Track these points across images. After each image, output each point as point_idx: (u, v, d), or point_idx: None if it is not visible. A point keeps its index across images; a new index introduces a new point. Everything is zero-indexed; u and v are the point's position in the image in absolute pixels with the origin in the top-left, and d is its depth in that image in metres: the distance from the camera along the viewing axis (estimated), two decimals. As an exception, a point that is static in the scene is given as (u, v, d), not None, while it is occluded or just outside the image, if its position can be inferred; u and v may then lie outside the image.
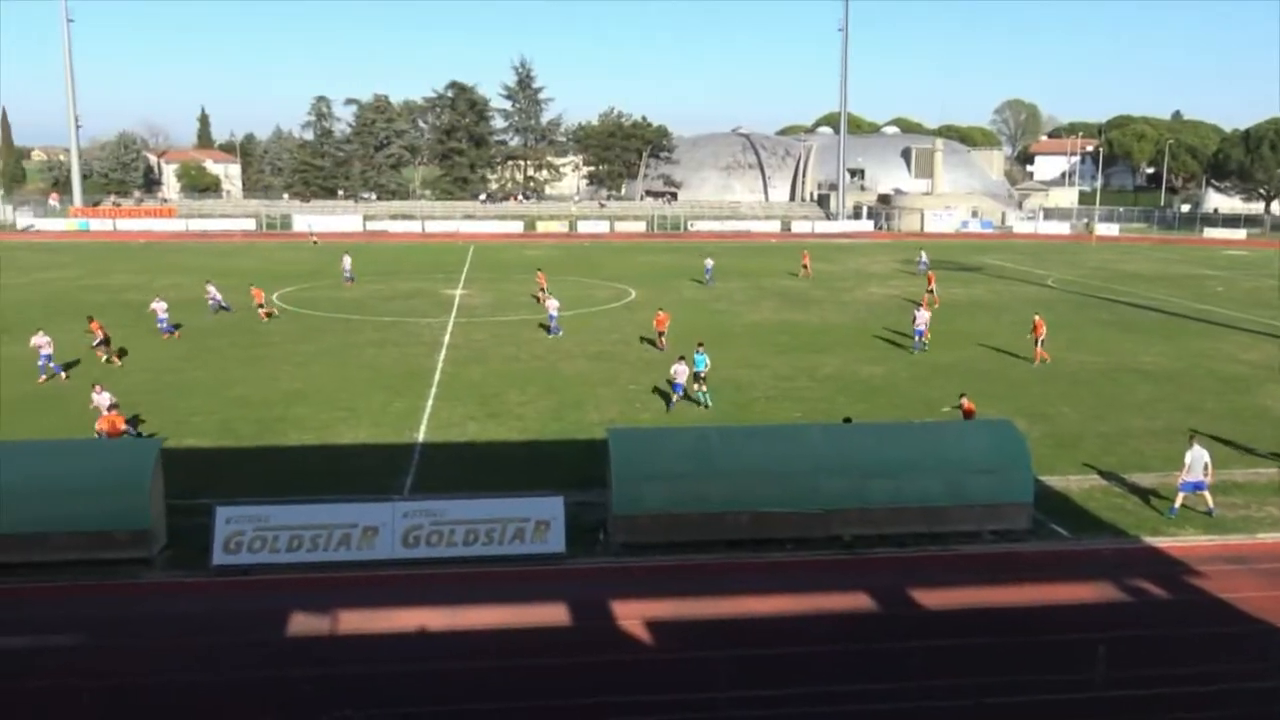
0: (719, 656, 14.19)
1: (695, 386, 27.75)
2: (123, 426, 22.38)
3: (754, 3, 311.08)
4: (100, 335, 33.55)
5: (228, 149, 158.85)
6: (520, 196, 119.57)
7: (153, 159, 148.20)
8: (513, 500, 18.65)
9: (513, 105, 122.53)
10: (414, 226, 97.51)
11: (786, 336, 38.99)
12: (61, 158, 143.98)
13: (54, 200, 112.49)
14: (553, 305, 38.96)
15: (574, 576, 17.18)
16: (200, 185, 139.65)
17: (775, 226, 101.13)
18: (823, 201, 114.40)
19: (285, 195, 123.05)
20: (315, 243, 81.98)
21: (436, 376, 31.26)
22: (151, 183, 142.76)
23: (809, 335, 39.32)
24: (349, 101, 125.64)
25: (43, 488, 17.34)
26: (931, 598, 16.44)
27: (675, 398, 27.16)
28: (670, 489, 18.40)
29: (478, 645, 14.74)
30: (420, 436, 24.71)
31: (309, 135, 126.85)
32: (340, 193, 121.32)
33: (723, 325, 41.36)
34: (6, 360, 33.32)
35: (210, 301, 43.62)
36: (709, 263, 55.48)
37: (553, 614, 15.79)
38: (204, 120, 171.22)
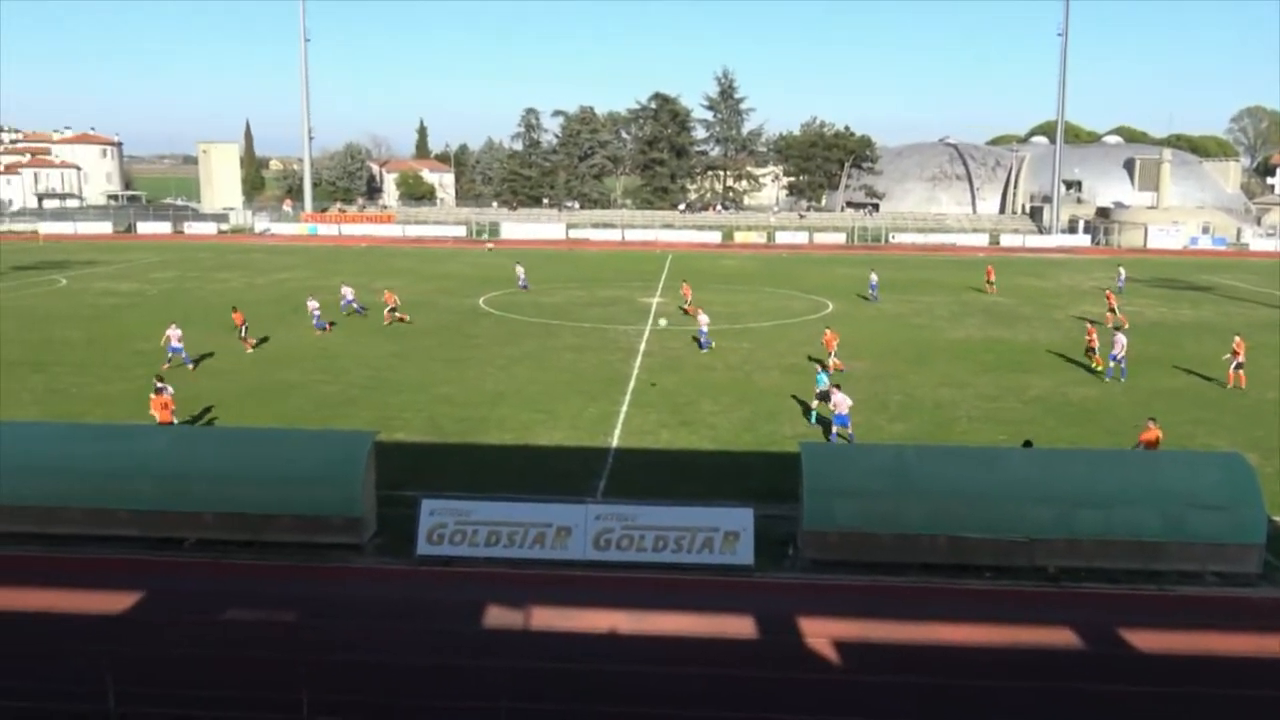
0: (908, 683, 13.76)
1: (820, 404, 26.99)
2: (170, 406, 23.69)
3: (965, 6, 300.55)
4: (241, 324, 37.74)
5: (443, 159, 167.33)
6: (719, 207, 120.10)
7: (375, 168, 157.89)
8: (703, 509, 18.73)
9: (714, 116, 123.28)
10: (614, 235, 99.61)
11: (991, 355, 37.44)
12: (295, 167, 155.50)
13: (287, 206, 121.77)
14: (704, 320, 38.47)
15: (762, 590, 17.07)
16: (417, 193, 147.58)
17: (983, 240, 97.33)
18: (1035, 214, 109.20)
19: (494, 203, 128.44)
20: (490, 249, 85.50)
21: (631, 383, 31.80)
22: (373, 190, 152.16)
23: (1016, 354, 37.61)
24: (556, 113, 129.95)
25: (271, 473, 18.76)
26: (1144, 640, 15.37)
27: (837, 429, 24.98)
28: (863, 506, 18.02)
29: (664, 651, 14.86)
30: (614, 441, 25.19)
31: (518, 146, 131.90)
32: (545, 201, 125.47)
33: (923, 341, 40.14)
34: (240, 352, 36.33)
35: (343, 304, 45.48)
36: (873, 277, 53.59)
37: (739, 626, 15.74)
38: (422, 132, 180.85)
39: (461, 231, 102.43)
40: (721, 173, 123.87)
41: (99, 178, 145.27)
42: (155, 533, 18.54)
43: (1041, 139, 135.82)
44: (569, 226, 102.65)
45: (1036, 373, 34.00)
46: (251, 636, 15.08)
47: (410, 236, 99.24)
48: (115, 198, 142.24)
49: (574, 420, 27.12)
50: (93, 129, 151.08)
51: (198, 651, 14.42)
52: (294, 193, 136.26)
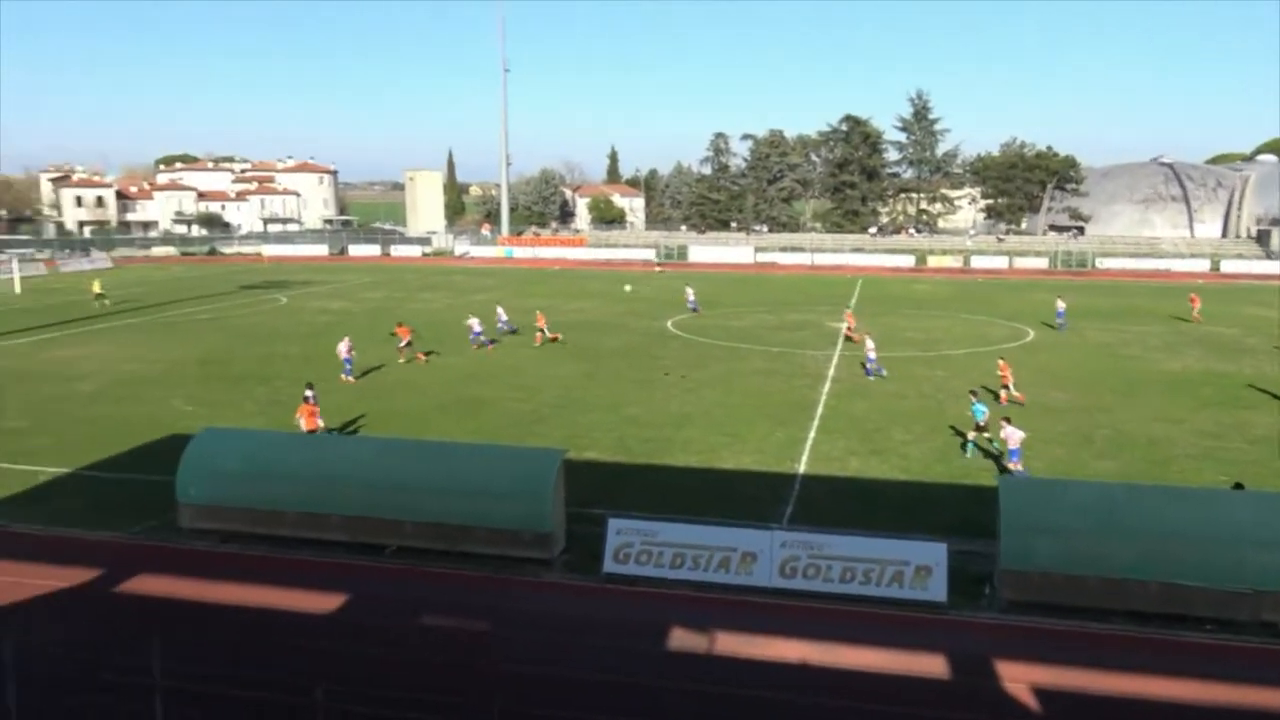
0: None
1: (976, 435, 25.75)
2: (320, 423, 25.50)
3: (1176, 13, 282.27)
4: (406, 339, 39.75)
5: (633, 184, 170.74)
6: (912, 230, 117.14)
7: (568, 193, 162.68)
8: (893, 541, 18.22)
9: (907, 137, 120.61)
10: (803, 259, 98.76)
11: (1211, 389, 34.80)
12: (493, 192, 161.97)
13: (486, 230, 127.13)
14: (870, 346, 37.34)
15: (955, 628, 16.42)
16: (608, 217, 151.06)
17: (1202, 265, 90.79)
18: (1262, 238, 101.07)
19: (683, 227, 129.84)
20: (660, 271, 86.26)
21: (819, 409, 31.36)
22: (566, 215, 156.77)
23: (1239, 388, 34.81)
24: (745, 137, 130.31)
25: (466, 486, 19.53)
26: (1395, 710, 13.84)
27: (1013, 465, 23.30)
28: (1066, 546, 17.07)
29: (853, 686, 14.50)
30: (801, 468, 24.88)
31: (707, 170, 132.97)
32: (733, 225, 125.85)
33: (1133, 373, 37.77)
34: (438, 368, 38.09)
35: (499, 324, 46.84)
36: (1060, 305, 50.34)
37: (931, 665, 15.19)
38: (613, 157, 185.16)
39: (651, 255, 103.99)
40: (915, 195, 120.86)
41: (316, 203, 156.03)
42: (361, 538, 19.63)
43: (1270, 157, 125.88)
44: (757, 250, 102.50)
45: (1262, 410, 31.36)
46: (445, 642, 15.70)
47: (601, 259, 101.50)
48: (330, 222, 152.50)
49: (760, 444, 26.97)
50: (312, 159, 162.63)
51: (396, 654, 15.13)
52: (492, 217, 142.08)
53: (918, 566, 17.41)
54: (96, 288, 62.44)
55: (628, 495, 22.45)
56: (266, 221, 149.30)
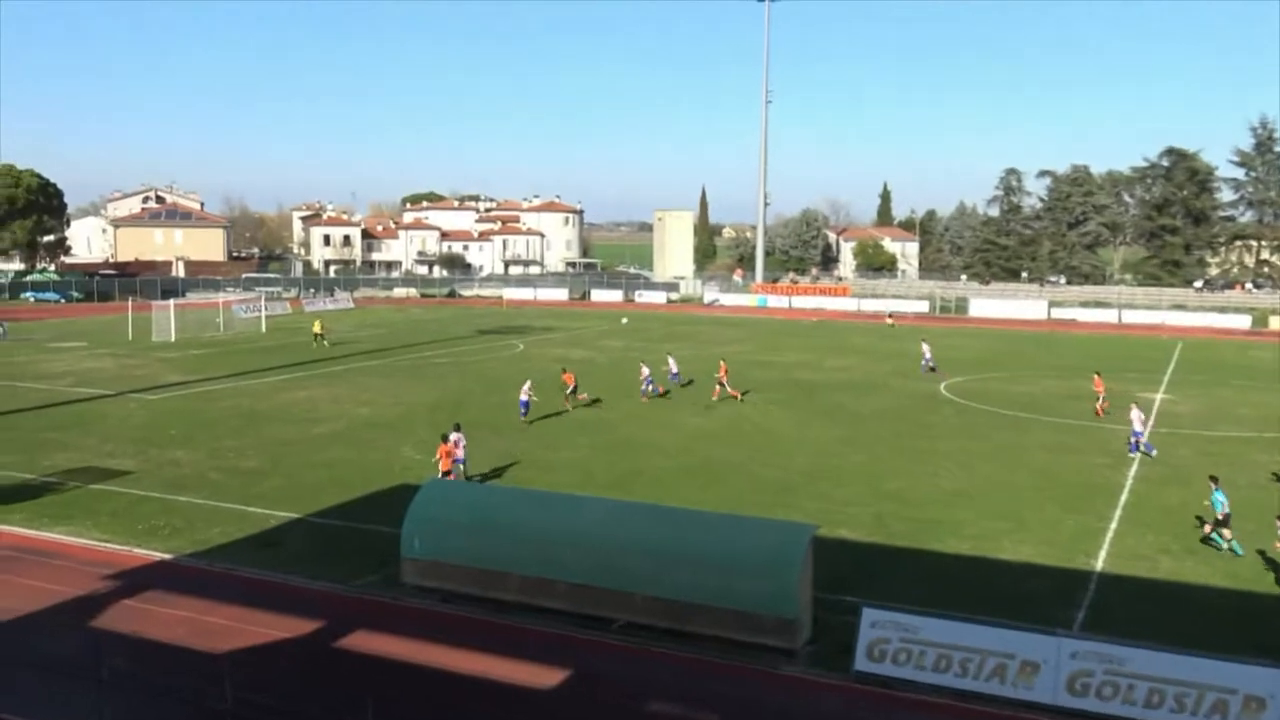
0: None
1: (1215, 529, 23.83)
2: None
3: None
4: (571, 385, 42.46)
5: (907, 226, 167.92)
6: (1249, 285, 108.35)
7: (832, 236, 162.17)
8: (1216, 663, 16.60)
9: (1246, 174, 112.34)
10: (1108, 316, 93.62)
11: None
12: (748, 234, 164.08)
13: (738, 276, 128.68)
14: (1136, 417, 34.48)
15: (1294, 779, 14.71)
16: (876, 263, 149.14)
17: None
18: None
19: (963, 276, 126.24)
20: (892, 325, 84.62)
21: (1124, 495, 29.35)
22: (828, 260, 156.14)
23: None
24: (1042, 174, 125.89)
25: (703, 559, 19.52)
26: None
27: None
28: None
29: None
30: (1098, 564, 23.29)
31: (994, 211, 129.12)
32: (1024, 274, 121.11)
33: None
34: (679, 427, 38.64)
35: (670, 375, 47.75)
36: None
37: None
38: (885, 196, 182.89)
39: (924, 307, 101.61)
40: (1255, 243, 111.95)
41: (560, 244, 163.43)
42: (586, 609, 20.01)
43: None
44: (1051, 304, 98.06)
45: None
46: (672, 734, 15.64)
47: (866, 311, 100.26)
48: (573, 264, 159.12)
49: (1047, 533, 25.51)
50: (558, 197, 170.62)
51: (618, 742, 15.22)
52: (745, 261, 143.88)
53: (1247, 696, 15.77)
54: (317, 328, 67.72)
55: (886, 582, 21.79)
56: (508, 263, 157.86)
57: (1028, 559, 23.67)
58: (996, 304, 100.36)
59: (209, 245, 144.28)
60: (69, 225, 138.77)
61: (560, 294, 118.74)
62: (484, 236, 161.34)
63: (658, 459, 33.56)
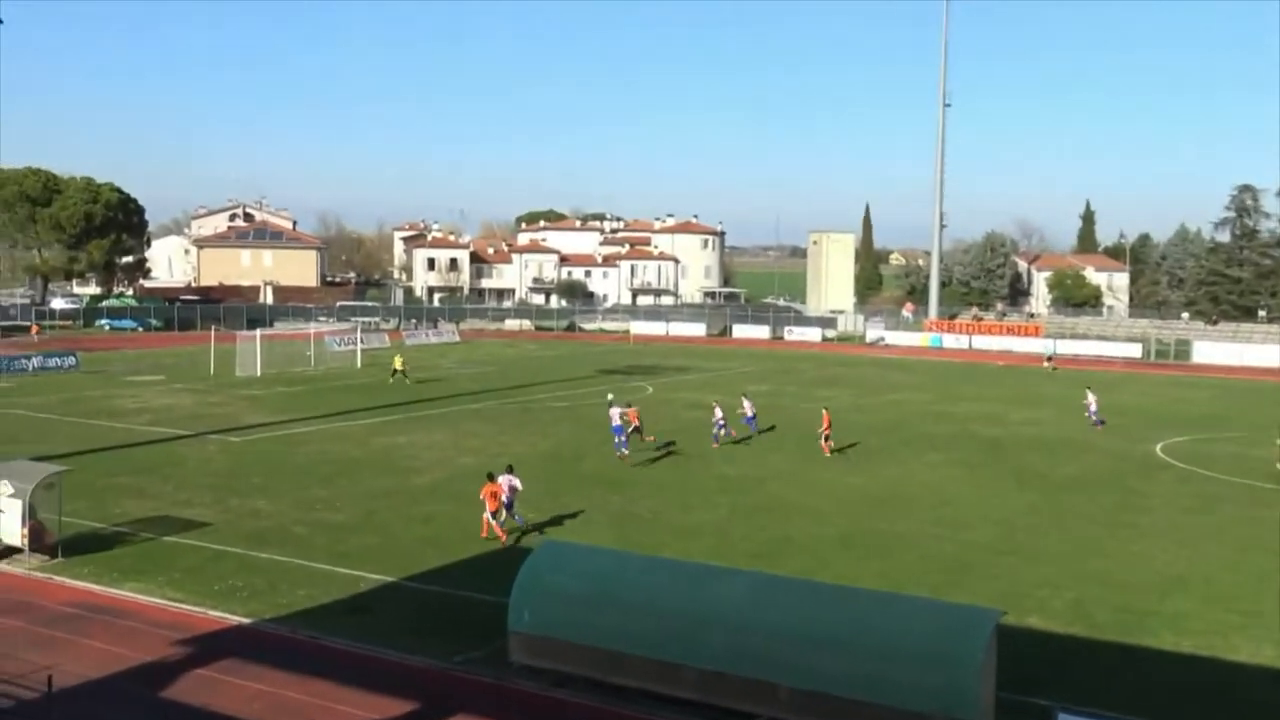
0: None
1: None
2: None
3: None
4: (635, 422, 43.87)
5: (1114, 253, 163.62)
6: None
7: (1022, 265, 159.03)
8: None
9: None
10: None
11: None
12: (920, 262, 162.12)
13: (907, 311, 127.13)
14: None
15: None
16: (1076, 298, 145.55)
17: None
18: None
19: (1184, 314, 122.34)
20: (1052, 369, 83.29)
21: (1389, 586, 27.82)
22: (1017, 293, 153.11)
23: None
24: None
25: (864, 646, 19.13)
26: None
27: None
28: None
29: None
30: (1357, 671, 22.09)
31: (1223, 236, 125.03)
32: (1261, 313, 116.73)
33: None
34: (843, 487, 38.21)
35: (744, 418, 48.35)
36: None
37: None
38: (1087, 218, 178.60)
39: (1135, 351, 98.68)
40: None
41: (697, 271, 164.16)
42: (722, 701, 19.81)
43: None
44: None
45: None
46: None
47: (1064, 355, 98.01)
48: (712, 295, 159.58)
49: (1292, 631, 24.36)
50: (695, 217, 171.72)
51: None
52: (916, 294, 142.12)
53: None
54: (398, 363, 69.51)
55: (1086, 682, 21.10)
56: (636, 292, 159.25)
57: (1266, 662, 22.64)
58: (1226, 348, 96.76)
59: (301, 268, 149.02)
60: (149, 245, 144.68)
61: (696, 329, 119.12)
62: (609, 261, 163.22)
63: (810, 525, 33.26)
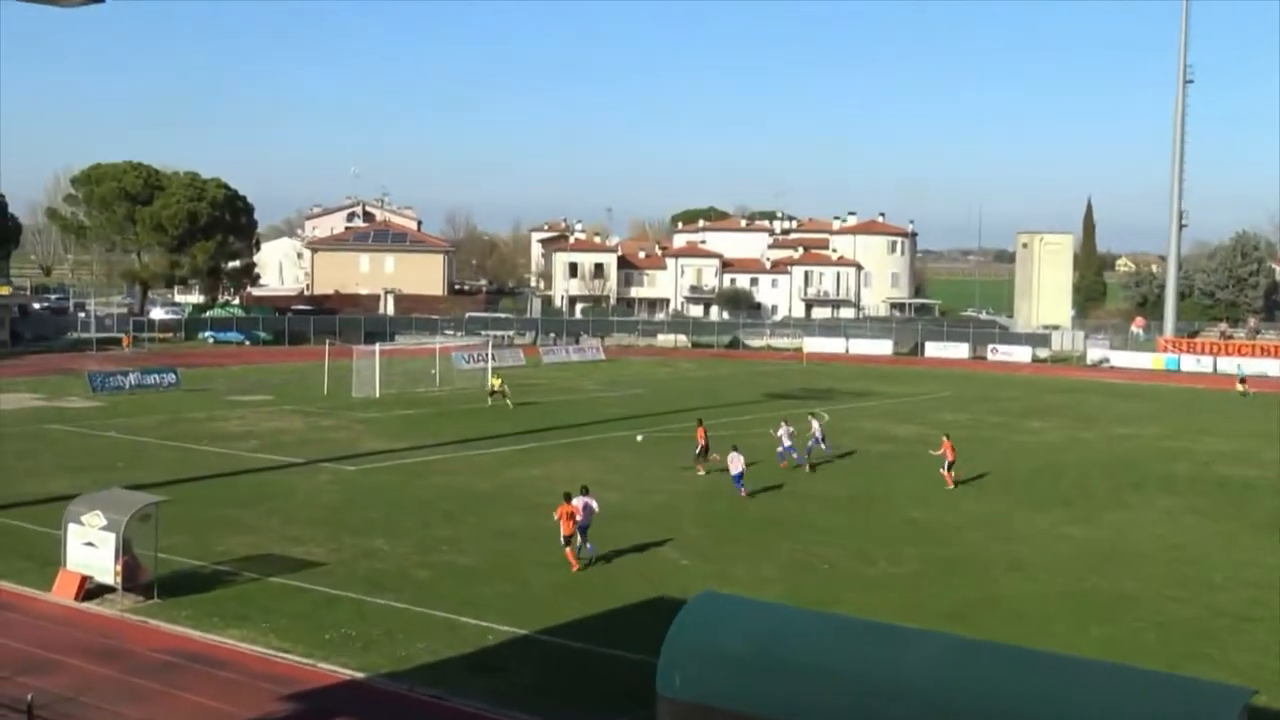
0: None
1: None
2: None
3: None
4: (701, 443, 47.35)
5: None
6: None
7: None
8: None
9: None
10: None
11: None
12: (1154, 269, 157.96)
13: (1137, 327, 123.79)
14: None
15: None
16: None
17: None
18: None
19: None
20: (1245, 393, 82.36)
21: None
22: (1275, 305, 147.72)
23: None
24: None
25: (1081, 727, 18.62)
26: None
27: None
28: None
29: None
30: None
31: None
32: None
33: None
34: (1063, 539, 37.33)
35: (812, 439, 50.44)
36: None
37: None
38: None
39: None
40: None
41: (882, 279, 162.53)
42: (911, 787, 19.46)
43: None
44: None
45: None
46: None
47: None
48: (900, 307, 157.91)
49: None
50: (881, 216, 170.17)
51: None
52: (1148, 307, 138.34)
53: None
54: (495, 383, 70.65)
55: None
56: (810, 304, 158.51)
57: None
58: None
59: (426, 275, 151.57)
60: (258, 248, 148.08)
61: (882, 347, 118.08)
62: (779, 267, 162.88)
63: (1018, 582, 32.64)
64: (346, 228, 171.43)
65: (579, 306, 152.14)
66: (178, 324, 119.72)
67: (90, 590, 29.19)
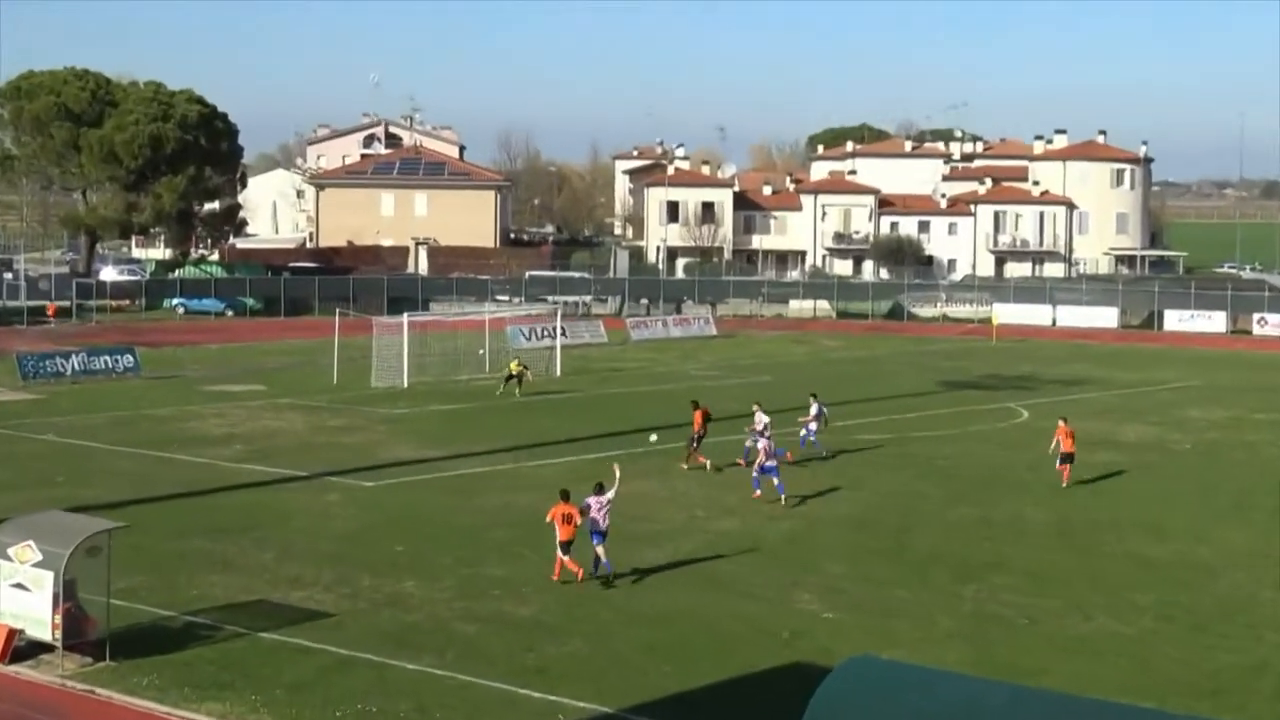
0: None
1: None
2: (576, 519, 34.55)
3: None
4: (698, 428, 51.41)
5: None
6: None
7: None
8: None
9: None
10: None
11: None
12: None
13: None
14: None
15: None
16: None
17: None
18: None
19: None
20: None
21: None
22: None
23: None
24: None
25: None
26: None
27: None
28: None
29: None
30: None
31: None
32: None
33: None
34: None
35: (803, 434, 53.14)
36: None
37: None
38: None
39: None
40: None
41: (1104, 223, 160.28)
42: None
43: None
44: None
45: None
46: None
47: None
48: (1127, 261, 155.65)
49: None
50: (1101, 135, 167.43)
51: None
52: None
53: None
54: (514, 367, 71.18)
55: None
56: (1002, 257, 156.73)
57: None
58: None
59: (472, 220, 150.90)
60: (244, 185, 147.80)
61: (1103, 317, 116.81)
62: (958, 207, 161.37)
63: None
64: (363, 156, 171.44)
65: (681, 262, 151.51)
66: (136, 288, 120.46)
67: (20, 649, 29.19)
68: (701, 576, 36.73)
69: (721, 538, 40.88)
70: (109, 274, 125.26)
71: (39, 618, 28.74)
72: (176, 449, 54.21)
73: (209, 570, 36.51)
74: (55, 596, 28.36)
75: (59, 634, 28.55)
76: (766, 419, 50.68)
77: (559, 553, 34.51)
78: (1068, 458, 47.89)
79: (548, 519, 34.74)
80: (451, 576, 36.49)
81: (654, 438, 51.58)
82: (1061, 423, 48.84)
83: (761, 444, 46.96)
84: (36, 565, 28.76)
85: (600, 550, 34.78)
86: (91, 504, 39.86)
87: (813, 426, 54.00)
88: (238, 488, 47.22)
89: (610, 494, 35.20)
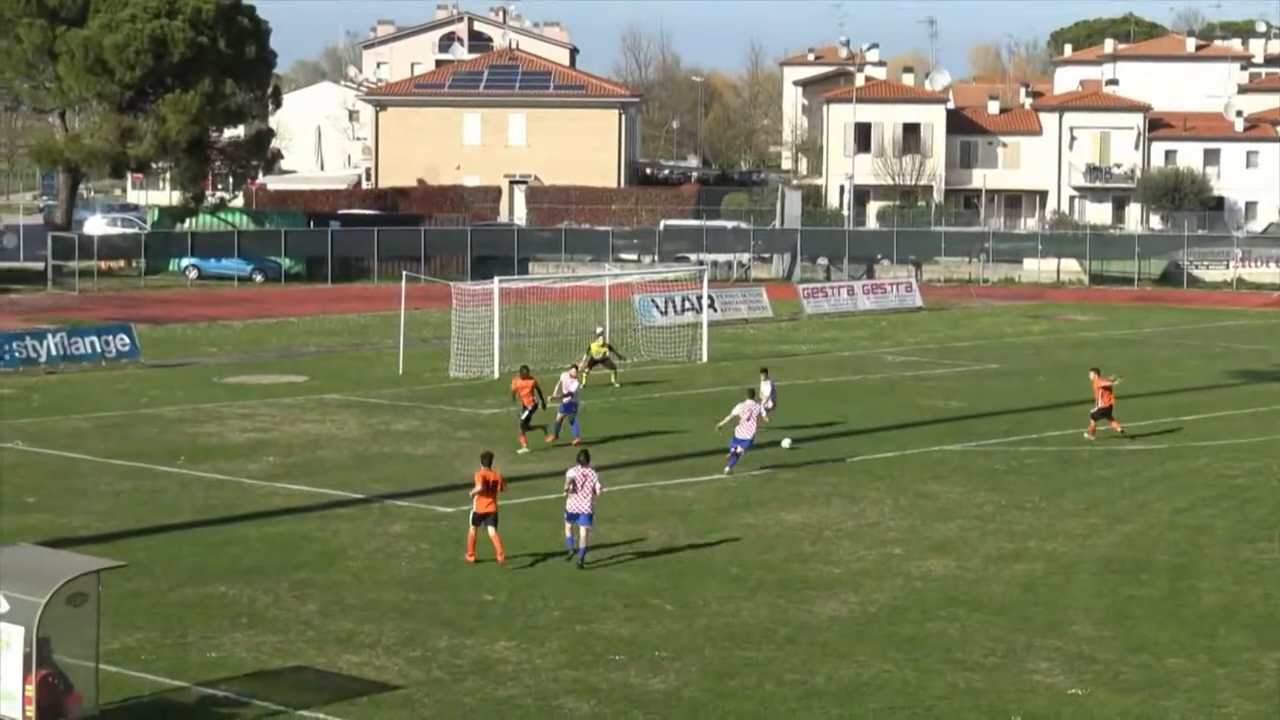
0: None
1: None
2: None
3: None
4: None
5: None
6: None
7: None
8: None
9: None
10: None
11: None
12: None
13: None
14: None
15: None
16: None
17: None
18: None
19: None
20: None
21: None
22: None
23: None
24: None
25: None
26: None
27: None
28: None
29: None
30: None
31: None
32: None
33: None
34: None
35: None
36: None
37: None
38: None
39: None
40: None
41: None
42: None
43: None
44: None
45: None
46: None
47: None
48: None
49: None
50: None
51: None
52: None
53: None
54: (595, 348, 71.45)
55: None
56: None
57: None
58: None
59: (587, 150, 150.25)
60: (278, 104, 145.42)
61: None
62: (1259, 129, 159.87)
63: None
64: (439, 63, 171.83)
65: (873, 207, 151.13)
66: (133, 244, 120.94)
67: (-18, 730, 29.79)
68: (901, 638, 36.69)
69: (929, 584, 40.89)
70: (96, 226, 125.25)
71: (5, 689, 28.40)
72: (187, 462, 54.86)
73: (232, 626, 36.67)
74: (26, 659, 28.07)
75: (31, 710, 28.38)
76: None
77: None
78: (1102, 413, 53.01)
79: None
80: (559, 636, 36.56)
81: (786, 443, 51.92)
82: (1093, 373, 54.69)
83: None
84: (3, 619, 28.73)
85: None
86: (74, 536, 40.31)
87: (769, 405, 56.66)
88: (270, 515, 47.66)
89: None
